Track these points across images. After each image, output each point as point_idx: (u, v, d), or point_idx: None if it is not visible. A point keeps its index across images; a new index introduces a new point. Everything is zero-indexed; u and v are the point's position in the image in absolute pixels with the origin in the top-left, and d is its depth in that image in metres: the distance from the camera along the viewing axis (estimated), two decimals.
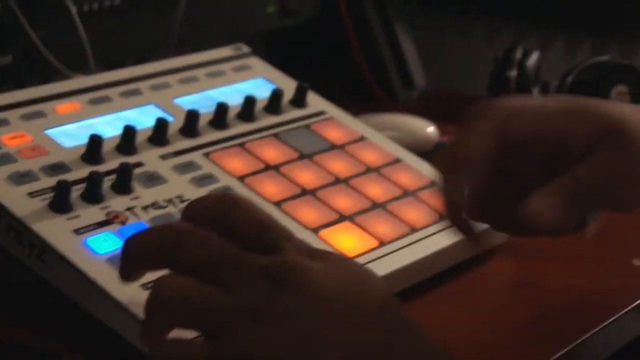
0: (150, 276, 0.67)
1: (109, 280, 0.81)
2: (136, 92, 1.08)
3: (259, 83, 1.16)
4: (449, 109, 1.37)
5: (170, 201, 0.93)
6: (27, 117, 1.00)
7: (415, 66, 1.60)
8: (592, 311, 0.96)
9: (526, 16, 1.73)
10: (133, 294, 0.79)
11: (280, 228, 0.72)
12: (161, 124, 1.00)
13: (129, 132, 0.98)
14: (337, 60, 1.58)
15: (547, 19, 1.72)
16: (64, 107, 1.03)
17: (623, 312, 0.95)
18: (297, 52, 1.61)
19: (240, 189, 0.99)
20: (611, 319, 0.94)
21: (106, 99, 1.05)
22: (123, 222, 0.89)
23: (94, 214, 0.88)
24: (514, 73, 1.43)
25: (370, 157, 1.09)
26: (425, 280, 0.95)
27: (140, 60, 1.34)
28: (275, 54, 1.54)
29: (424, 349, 0.69)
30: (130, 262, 0.68)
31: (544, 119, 0.89)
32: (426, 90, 1.60)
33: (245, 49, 1.22)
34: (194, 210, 0.70)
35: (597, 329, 0.93)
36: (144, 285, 0.75)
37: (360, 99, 1.49)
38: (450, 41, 1.79)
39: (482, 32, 1.78)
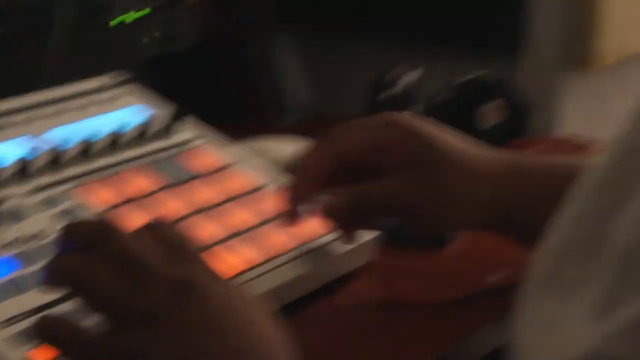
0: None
1: None
2: (8, 125, 1.08)
3: (135, 111, 1.17)
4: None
5: (35, 236, 0.93)
6: None
7: (298, 90, 1.61)
8: (451, 326, 0.99)
9: (414, 36, 1.74)
10: None
11: (194, 248, 0.80)
12: (23, 161, 1.00)
13: None
14: (222, 86, 1.58)
15: (433, 39, 1.72)
16: None
17: (480, 326, 0.99)
18: (185, 77, 1.61)
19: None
20: (470, 331, 0.99)
21: None
22: None
23: None
24: (391, 92, 1.46)
25: (232, 185, 1.10)
26: (290, 304, 0.96)
27: (16, 92, 1.29)
28: (161, 80, 1.55)
29: None
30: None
31: (368, 138, 0.97)
32: (312, 112, 1.61)
33: (123, 76, 1.22)
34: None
35: (458, 341, 0.97)
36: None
37: (245, 123, 1.49)
38: (337, 63, 1.79)
39: (369, 53, 1.78)
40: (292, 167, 1.01)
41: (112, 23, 1.44)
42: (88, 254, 0.74)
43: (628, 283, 0.50)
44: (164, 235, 0.79)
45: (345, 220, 0.99)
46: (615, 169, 0.58)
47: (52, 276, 0.74)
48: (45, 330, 0.74)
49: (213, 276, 0.78)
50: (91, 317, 0.73)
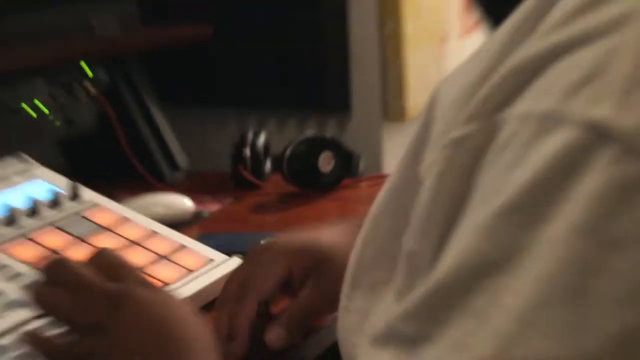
0: None
1: None
2: None
3: (39, 184, 1.16)
4: (207, 183, 1.52)
5: None
6: None
7: (178, 153, 1.62)
8: None
9: (267, 106, 1.76)
10: None
11: (128, 268, 0.84)
12: None
13: None
14: (117, 157, 1.56)
15: (285, 105, 1.75)
16: None
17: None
18: (86, 154, 1.59)
19: (29, 272, 0.97)
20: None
21: None
22: None
23: None
24: (247, 151, 1.48)
25: (131, 233, 1.10)
26: None
27: None
28: (68, 159, 1.58)
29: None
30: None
31: (282, 268, 0.96)
32: (189, 170, 1.63)
33: (27, 158, 1.21)
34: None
35: None
36: None
37: (137, 184, 1.50)
38: (207, 129, 1.81)
39: (234, 121, 1.80)
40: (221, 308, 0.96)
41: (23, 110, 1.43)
42: (51, 284, 0.81)
43: (411, 279, 0.52)
44: (103, 262, 0.83)
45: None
46: (393, 203, 0.61)
47: (32, 302, 0.80)
48: (28, 339, 0.79)
49: (145, 286, 0.81)
50: (60, 328, 0.80)
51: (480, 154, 0.48)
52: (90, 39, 1.53)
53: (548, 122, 0.44)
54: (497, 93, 0.47)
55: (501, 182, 0.46)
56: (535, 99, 0.45)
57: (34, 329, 0.85)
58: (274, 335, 0.93)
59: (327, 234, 0.98)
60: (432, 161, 0.51)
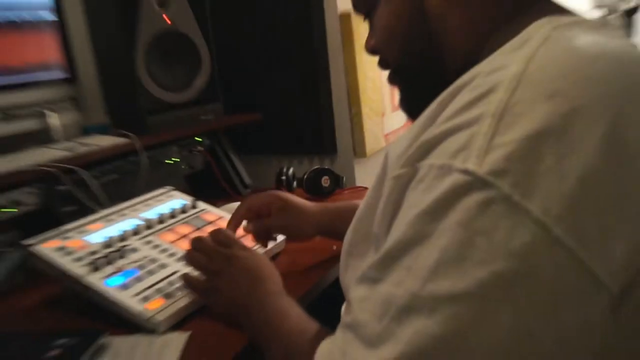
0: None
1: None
2: (128, 212, 1.05)
3: (176, 201, 1.14)
4: None
5: (144, 257, 0.92)
6: None
7: (246, 178, 1.60)
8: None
9: (292, 152, 1.74)
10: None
11: (233, 240, 0.86)
12: (138, 225, 1.00)
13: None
14: (214, 183, 1.54)
15: (302, 151, 1.73)
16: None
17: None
18: (201, 184, 1.57)
19: (171, 247, 0.97)
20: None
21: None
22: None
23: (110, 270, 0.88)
24: (284, 177, 1.47)
25: (223, 225, 0.99)
26: None
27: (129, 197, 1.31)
28: (190, 185, 1.55)
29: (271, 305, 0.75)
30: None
31: (262, 201, 0.98)
32: (253, 187, 1.60)
33: (170, 187, 1.20)
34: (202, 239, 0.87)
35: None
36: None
37: (225, 197, 1.47)
38: (261, 164, 1.76)
39: (275, 161, 1.77)
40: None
41: (166, 162, 1.44)
42: (194, 250, 0.86)
43: (377, 251, 0.51)
44: (220, 236, 0.87)
45: (257, 237, 0.99)
46: (369, 201, 0.58)
47: (186, 260, 0.85)
48: (183, 278, 0.86)
49: (243, 249, 0.83)
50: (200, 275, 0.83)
51: (407, 185, 0.48)
52: (200, 124, 1.50)
53: (442, 170, 0.44)
54: (418, 152, 0.48)
55: (416, 200, 0.45)
56: (437, 157, 0.46)
57: (185, 273, 0.87)
58: (248, 227, 0.99)
59: (294, 196, 1.00)
60: (386, 186, 0.51)
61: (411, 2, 0.60)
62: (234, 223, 0.96)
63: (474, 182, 0.41)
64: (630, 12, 2.00)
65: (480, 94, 0.44)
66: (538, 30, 0.49)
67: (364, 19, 0.69)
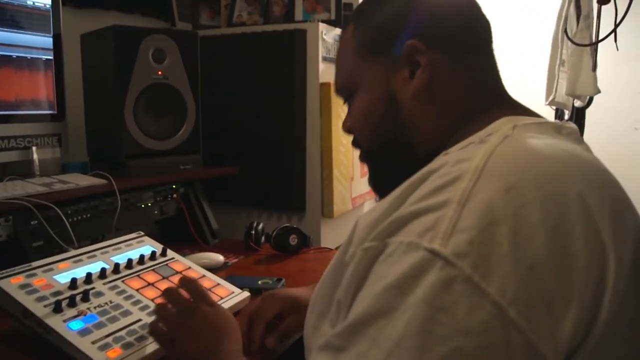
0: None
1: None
2: (96, 255, 1.01)
3: (146, 247, 1.10)
4: (232, 247, 1.45)
5: (107, 303, 0.88)
6: None
7: (216, 229, 1.57)
8: None
9: (263, 206, 1.72)
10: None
11: (201, 293, 0.82)
12: (103, 270, 0.95)
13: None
14: (185, 230, 1.51)
15: (272, 207, 1.71)
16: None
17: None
18: (170, 230, 1.54)
19: (135, 294, 0.93)
20: None
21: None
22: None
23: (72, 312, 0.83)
24: (253, 232, 1.44)
25: (192, 275, 1.04)
26: None
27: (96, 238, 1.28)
28: (160, 231, 1.54)
29: None
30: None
31: (275, 309, 0.90)
32: (221, 239, 1.57)
33: (141, 232, 1.15)
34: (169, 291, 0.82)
35: None
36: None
37: (194, 245, 1.45)
38: (232, 217, 1.74)
39: (246, 214, 1.75)
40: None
41: (140, 205, 1.39)
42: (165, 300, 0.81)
43: (339, 316, 0.52)
44: (188, 288, 0.83)
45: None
46: (335, 265, 0.58)
47: (155, 307, 0.81)
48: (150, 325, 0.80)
49: (209, 304, 0.80)
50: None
51: (376, 258, 0.48)
52: (178, 173, 1.48)
53: (410, 247, 0.45)
54: (388, 228, 0.49)
55: (384, 273, 0.46)
56: (405, 235, 0.47)
57: (152, 321, 0.82)
58: (270, 340, 0.88)
59: (300, 291, 0.93)
60: (353, 255, 0.51)
61: (385, 95, 0.63)
62: (256, 344, 0.88)
63: (439, 261, 0.42)
64: (579, 110, 2.10)
65: (447, 181, 0.47)
66: (499, 128, 0.54)
67: (344, 102, 0.72)
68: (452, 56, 0.60)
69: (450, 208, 0.44)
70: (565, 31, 1.88)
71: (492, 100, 0.62)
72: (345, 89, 0.69)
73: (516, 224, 0.43)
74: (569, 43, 1.91)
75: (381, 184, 0.70)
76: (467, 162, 0.48)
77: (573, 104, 2.07)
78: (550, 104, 2.02)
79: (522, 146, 0.51)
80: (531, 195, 0.45)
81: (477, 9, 0.64)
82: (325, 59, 1.64)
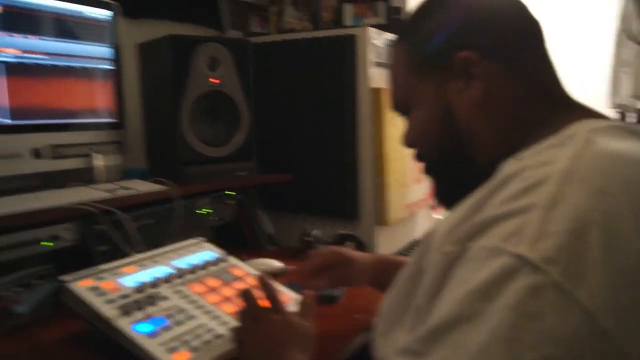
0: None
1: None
2: (159, 259, 1.04)
3: (207, 252, 1.13)
4: (289, 253, 1.45)
5: (172, 307, 0.91)
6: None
7: (273, 235, 1.59)
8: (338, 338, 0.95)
9: (317, 213, 1.72)
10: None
11: (273, 300, 0.83)
12: (168, 275, 0.98)
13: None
14: (242, 237, 1.55)
15: (326, 214, 1.71)
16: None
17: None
18: (227, 236, 1.54)
19: (199, 298, 0.95)
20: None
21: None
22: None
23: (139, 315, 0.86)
24: (309, 238, 1.47)
25: (250, 281, 1.05)
26: None
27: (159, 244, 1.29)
28: (218, 237, 1.53)
29: None
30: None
31: (327, 257, 1.00)
32: (279, 245, 1.59)
33: (200, 238, 1.19)
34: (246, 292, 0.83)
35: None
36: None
37: (252, 252, 1.45)
38: (288, 223, 1.74)
39: (300, 220, 1.76)
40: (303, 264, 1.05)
41: (198, 212, 1.42)
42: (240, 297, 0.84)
43: (418, 321, 0.51)
44: (264, 291, 0.84)
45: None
46: (411, 273, 0.58)
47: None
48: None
49: (277, 312, 0.81)
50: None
51: (456, 262, 0.48)
52: (233, 180, 1.51)
53: (493, 251, 0.45)
54: (468, 232, 0.49)
55: (466, 278, 0.45)
56: (487, 240, 0.46)
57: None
58: (316, 283, 0.99)
59: (353, 251, 1.04)
60: (432, 260, 0.51)
61: (440, 110, 0.63)
62: (306, 275, 1.01)
63: (525, 267, 0.41)
64: None
65: (531, 184, 0.46)
66: (577, 131, 0.53)
67: (401, 116, 0.72)
68: (506, 63, 0.60)
69: (536, 212, 0.44)
70: (628, 31, 1.82)
71: (556, 103, 0.61)
72: (402, 105, 0.70)
73: (608, 229, 0.42)
74: (632, 43, 1.84)
75: (447, 197, 0.70)
76: (551, 165, 0.48)
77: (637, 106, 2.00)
78: (614, 106, 1.95)
79: (607, 150, 0.50)
80: (622, 200, 0.44)
81: (526, 11, 0.64)
82: (376, 63, 1.63)
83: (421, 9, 0.67)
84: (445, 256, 0.48)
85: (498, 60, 0.60)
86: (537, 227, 0.43)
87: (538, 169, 0.48)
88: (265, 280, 0.86)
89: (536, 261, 0.41)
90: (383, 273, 0.96)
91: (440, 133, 0.64)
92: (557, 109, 0.60)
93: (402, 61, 0.67)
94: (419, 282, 0.53)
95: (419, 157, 0.71)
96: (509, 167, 0.52)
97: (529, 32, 0.63)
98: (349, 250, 1.02)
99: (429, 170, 0.71)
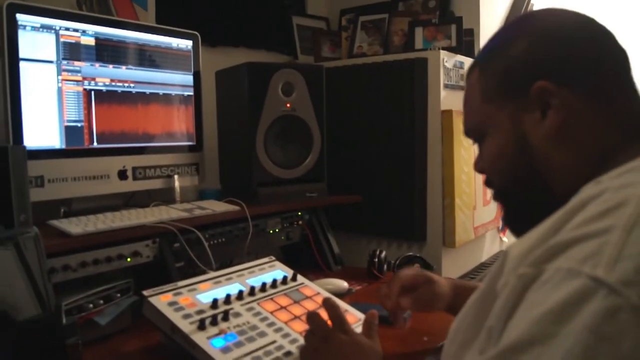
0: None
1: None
2: (232, 277, 1.08)
3: (277, 271, 1.16)
4: (354, 274, 1.46)
5: (245, 324, 0.93)
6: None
7: (340, 256, 1.58)
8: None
9: (383, 234, 1.74)
10: None
11: (340, 321, 0.83)
12: (240, 293, 1.01)
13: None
14: (308, 257, 1.56)
15: (393, 235, 1.72)
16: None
17: None
18: (295, 255, 1.58)
19: (270, 316, 0.97)
20: None
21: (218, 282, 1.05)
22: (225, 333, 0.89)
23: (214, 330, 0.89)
24: (376, 259, 1.45)
25: (319, 300, 1.06)
26: None
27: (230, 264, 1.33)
28: (287, 256, 1.59)
29: None
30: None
31: (411, 278, 0.98)
32: (345, 265, 1.59)
33: (272, 257, 1.21)
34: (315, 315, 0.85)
35: None
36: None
37: (319, 272, 1.49)
38: (355, 244, 1.77)
39: (365, 241, 1.79)
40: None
41: (268, 231, 1.45)
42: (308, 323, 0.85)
43: (489, 343, 0.50)
44: (330, 315, 0.85)
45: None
46: (483, 295, 0.57)
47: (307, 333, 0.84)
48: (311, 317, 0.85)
49: (345, 332, 0.82)
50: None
51: (531, 284, 0.47)
52: (304, 200, 1.53)
53: (570, 273, 0.44)
54: (544, 254, 0.49)
55: (541, 300, 0.45)
56: (564, 262, 0.46)
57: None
58: (405, 300, 0.97)
59: (434, 274, 1.01)
60: (506, 282, 0.50)
61: (516, 138, 0.63)
62: (392, 299, 0.97)
63: (602, 289, 0.41)
64: None
65: (610, 207, 0.46)
66: None
67: (474, 142, 0.72)
68: (585, 93, 0.59)
69: (615, 234, 0.43)
70: None
71: (638, 130, 0.60)
72: (475, 132, 0.70)
73: None
74: None
75: (517, 223, 0.69)
76: (632, 188, 0.47)
77: None
78: None
79: None
80: None
81: (608, 38, 0.62)
82: (446, 86, 1.63)
83: (498, 36, 0.67)
84: (520, 278, 0.48)
85: (575, 90, 0.59)
86: (615, 249, 0.42)
87: (618, 191, 0.47)
88: (331, 302, 0.87)
89: (613, 283, 0.41)
90: (459, 297, 0.95)
91: (514, 161, 0.63)
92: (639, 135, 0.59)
93: (477, 89, 0.67)
94: (491, 305, 0.52)
95: (489, 183, 0.71)
96: (587, 190, 0.51)
97: (612, 61, 0.61)
98: (431, 273, 1.00)
99: (498, 197, 0.70)
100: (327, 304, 0.87)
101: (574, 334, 0.41)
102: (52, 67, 1.19)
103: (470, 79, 0.70)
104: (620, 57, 0.62)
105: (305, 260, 1.54)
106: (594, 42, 0.61)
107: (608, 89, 0.60)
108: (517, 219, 0.70)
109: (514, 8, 2.24)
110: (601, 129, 0.59)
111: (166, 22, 1.46)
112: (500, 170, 0.67)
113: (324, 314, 0.86)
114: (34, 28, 1.15)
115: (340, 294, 1.27)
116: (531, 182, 0.63)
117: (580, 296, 0.42)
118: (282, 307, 1.02)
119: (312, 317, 0.85)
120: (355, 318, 1.05)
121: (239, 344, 0.87)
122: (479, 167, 0.71)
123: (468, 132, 0.72)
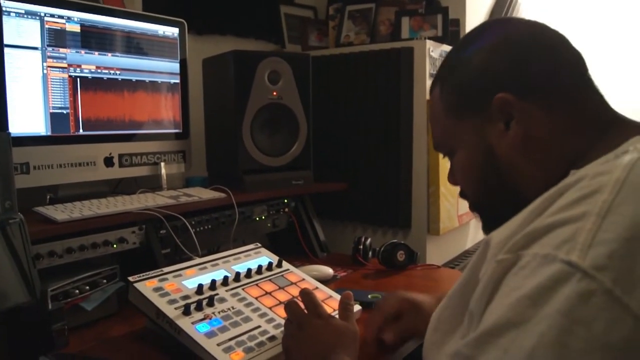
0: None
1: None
2: (219, 263, 1.08)
3: (263, 258, 1.15)
4: (340, 261, 1.45)
5: (229, 309, 0.93)
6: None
7: (325, 242, 1.58)
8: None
9: (368, 221, 1.74)
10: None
11: (314, 305, 0.84)
12: (225, 278, 1.01)
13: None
14: (295, 243, 1.55)
15: (378, 223, 1.73)
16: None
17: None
18: (280, 242, 1.59)
19: (254, 301, 0.97)
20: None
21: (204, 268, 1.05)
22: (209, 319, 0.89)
23: (199, 316, 0.89)
24: (361, 247, 1.45)
25: (305, 287, 1.03)
26: None
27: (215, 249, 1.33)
28: (273, 243, 1.60)
29: None
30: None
31: (394, 306, 0.93)
32: (330, 252, 1.59)
33: (258, 244, 1.21)
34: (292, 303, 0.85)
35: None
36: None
37: (304, 258, 1.48)
38: (341, 231, 1.78)
39: (351, 228, 1.79)
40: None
41: (254, 218, 1.45)
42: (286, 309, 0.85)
43: (470, 327, 0.51)
44: (304, 299, 0.86)
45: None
46: (465, 283, 0.58)
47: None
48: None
49: (319, 317, 0.82)
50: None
51: (508, 270, 0.48)
52: (290, 188, 1.53)
53: (546, 259, 0.45)
54: (522, 241, 0.49)
55: (518, 284, 0.46)
56: (540, 248, 0.47)
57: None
58: (387, 335, 0.90)
59: (420, 296, 0.95)
60: (486, 270, 0.51)
61: (483, 150, 0.63)
62: (372, 329, 0.93)
63: (576, 273, 0.41)
64: None
65: (586, 193, 0.46)
66: (634, 144, 0.52)
67: (444, 156, 0.73)
68: (545, 101, 0.59)
69: (589, 220, 0.44)
70: None
71: (607, 126, 0.60)
72: (444, 147, 0.70)
73: None
74: None
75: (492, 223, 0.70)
76: (607, 175, 0.48)
77: None
78: None
79: None
80: None
81: (562, 44, 0.62)
82: (432, 75, 1.63)
83: (455, 52, 0.68)
84: (499, 264, 0.48)
85: (535, 99, 0.59)
86: (589, 235, 0.43)
87: (594, 178, 0.48)
88: (305, 290, 0.88)
89: (587, 268, 0.41)
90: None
91: (483, 172, 0.64)
92: (609, 130, 0.59)
93: (440, 105, 0.68)
94: (473, 292, 0.52)
95: (463, 195, 0.71)
96: (566, 179, 0.52)
97: (569, 66, 0.61)
98: (416, 297, 0.94)
99: (474, 207, 0.71)
100: (301, 293, 0.88)
101: (548, 317, 0.41)
102: (37, 54, 1.18)
103: (433, 96, 0.70)
104: (575, 61, 0.62)
105: (291, 247, 1.54)
106: (549, 49, 0.61)
107: (568, 94, 0.60)
108: (494, 228, 0.70)
109: None
110: (566, 134, 0.59)
111: (153, 9, 1.45)
112: (472, 181, 0.68)
113: (302, 303, 0.87)
114: (18, 14, 1.14)
115: (326, 281, 1.28)
116: (502, 191, 0.64)
117: (555, 281, 0.42)
118: (267, 293, 1.03)
119: (288, 306, 0.86)
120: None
121: (223, 329, 0.88)
122: (452, 179, 0.73)
123: (437, 147, 0.72)
